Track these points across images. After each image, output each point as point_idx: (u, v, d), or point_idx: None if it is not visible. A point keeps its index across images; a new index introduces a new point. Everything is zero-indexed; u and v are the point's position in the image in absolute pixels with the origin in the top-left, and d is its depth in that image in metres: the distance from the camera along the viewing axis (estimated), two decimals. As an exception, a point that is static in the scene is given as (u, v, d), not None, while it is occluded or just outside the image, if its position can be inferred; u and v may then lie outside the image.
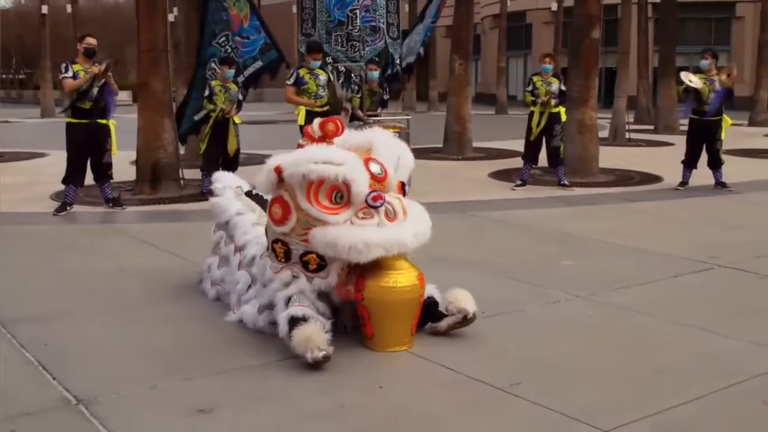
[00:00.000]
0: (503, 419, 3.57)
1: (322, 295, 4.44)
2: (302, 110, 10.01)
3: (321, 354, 4.05)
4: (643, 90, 22.66)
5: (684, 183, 10.54)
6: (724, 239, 7.39)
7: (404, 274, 4.38)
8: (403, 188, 4.69)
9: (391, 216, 4.35)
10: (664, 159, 14.10)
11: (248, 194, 5.74)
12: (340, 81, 10.94)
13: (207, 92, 10.26)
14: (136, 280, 6.12)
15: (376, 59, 11.38)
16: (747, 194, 10.25)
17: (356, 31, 11.69)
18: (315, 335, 4.10)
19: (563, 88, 10.65)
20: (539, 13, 37.35)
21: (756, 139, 17.38)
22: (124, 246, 7.52)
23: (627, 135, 17.41)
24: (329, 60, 11.64)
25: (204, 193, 10.29)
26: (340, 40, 11.63)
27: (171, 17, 39.97)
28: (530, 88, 10.64)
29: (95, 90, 8.95)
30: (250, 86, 11.33)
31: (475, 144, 15.52)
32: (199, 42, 11.31)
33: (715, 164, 10.47)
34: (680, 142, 17.24)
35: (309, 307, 4.32)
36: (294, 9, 24.53)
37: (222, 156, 10.32)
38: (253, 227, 5.22)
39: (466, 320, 4.57)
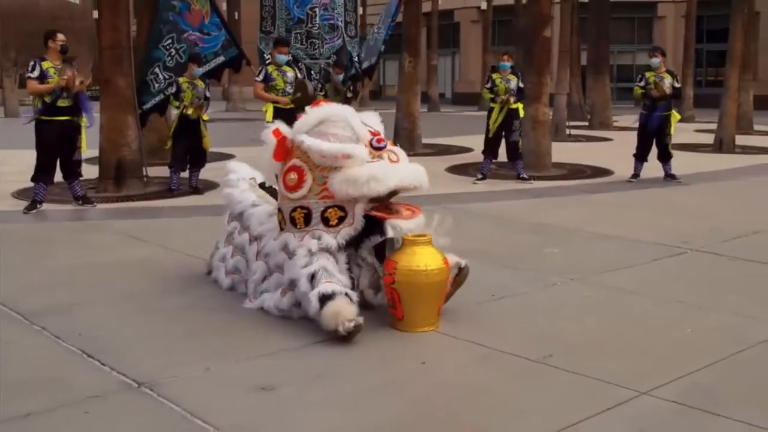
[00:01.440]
0: (545, 386, 3.89)
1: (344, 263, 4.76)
2: (270, 107, 10.17)
3: (352, 324, 4.34)
4: (575, 88, 23.38)
5: (636, 175, 11.08)
6: (688, 226, 7.86)
7: (432, 257, 4.66)
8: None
9: (394, 160, 4.81)
10: (607, 153, 14.71)
11: (261, 186, 5.93)
12: (304, 78, 11.11)
13: (174, 89, 10.35)
14: (139, 272, 6.24)
15: (342, 62, 11.59)
16: (695, 185, 10.85)
17: (315, 29, 11.90)
18: (344, 309, 4.40)
19: (521, 85, 11.06)
20: (467, 11, 37.98)
21: (688, 134, 18.14)
22: (111, 241, 7.58)
23: (567, 131, 18.01)
24: (289, 57, 11.81)
25: (172, 190, 10.39)
26: (299, 38, 11.83)
27: (95, 14, 39.54)
28: (489, 85, 11.02)
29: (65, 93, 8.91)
30: (211, 78, 11.47)
31: (423, 141, 15.88)
32: (148, 42, 11.40)
33: (664, 157, 11.03)
34: (618, 138, 18.18)
35: (336, 283, 4.57)
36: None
37: (189, 153, 10.42)
38: (269, 218, 5.42)
39: (462, 270, 4.94)
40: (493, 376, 4.02)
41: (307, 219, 4.80)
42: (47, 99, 8.83)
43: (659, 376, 3.92)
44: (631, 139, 15.89)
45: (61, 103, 8.88)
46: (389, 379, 3.99)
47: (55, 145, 9.05)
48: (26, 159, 13.19)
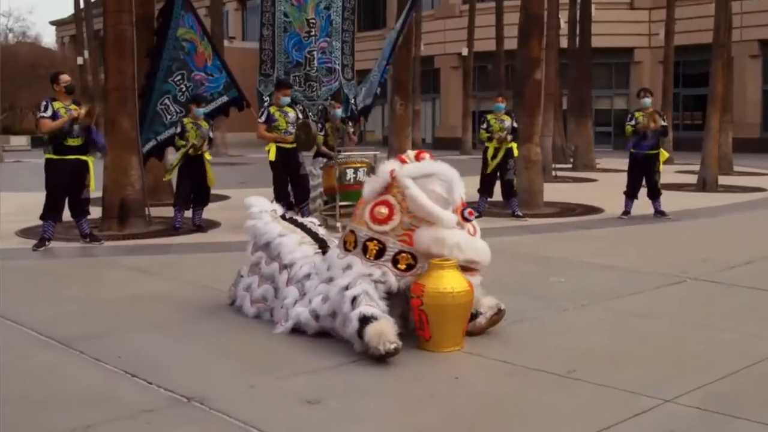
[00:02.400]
0: (574, 396, 4.14)
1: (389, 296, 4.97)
2: (273, 146, 10.43)
3: (392, 346, 4.58)
4: (557, 131, 23.88)
5: (627, 212, 11.42)
6: (683, 258, 8.17)
7: (458, 280, 4.93)
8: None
9: (472, 233, 5.15)
10: (595, 193, 15.10)
11: (282, 218, 6.17)
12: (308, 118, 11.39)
13: (179, 129, 10.61)
14: (161, 303, 6.43)
15: (340, 97, 11.94)
16: (684, 221, 11.22)
17: (313, 71, 12.21)
18: (388, 330, 4.65)
19: (515, 125, 11.44)
20: (447, 58, 38.66)
21: (670, 175, 18.46)
22: (126, 276, 7.76)
23: (554, 172, 18.41)
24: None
25: (176, 228, 10.60)
26: (298, 81, 12.11)
27: (79, 60, 39.72)
28: (485, 125, 11.39)
29: (77, 127, 9.14)
30: (218, 116, 11.79)
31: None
32: (151, 73, 11.68)
33: (654, 195, 11.40)
34: (603, 178, 18.63)
35: (375, 307, 4.81)
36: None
37: (193, 191, 10.66)
38: (299, 246, 5.66)
39: (500, 312, 5.23)
40: (523, 389, 4.27)
41: (380, 254, 5.02)
42: (58, 137, 9.05)
43: (679, 386, 4.19)
44: (616, 180, 16.33)
45: (72, 142, 9.08)
46: (427, 393, 4.23)
47: (65, 183, 9.22)
48: (18, 200, 13.63)
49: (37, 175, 9.88)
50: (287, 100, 10.60)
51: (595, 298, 6.38)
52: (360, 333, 4.67)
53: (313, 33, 12.22)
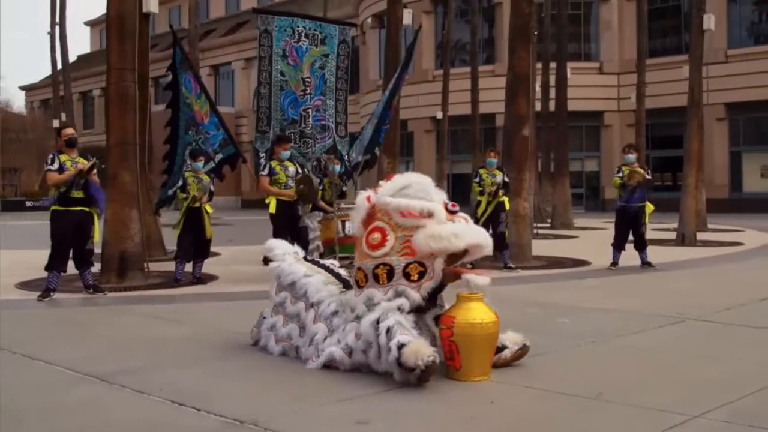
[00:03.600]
0: (607, 415, 4.40)
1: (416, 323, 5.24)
2: (273, 199, 10.70)
3: (431, 359, 4.81)
4: (536, 190, 24.43)
5: (615, 263, 11.79)
6: (677, 302, 8.49)
7: (486, 312, 5.20)
8: None
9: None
10: (578, 248, 15.50)
11: (305, 259, 6.42)
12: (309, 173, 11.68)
13: (180, 183, 10.87)
14: (186, 344, 6.61)
15: (337, 154, 12.28)
16: (671, 271, 11.63)
17: (308, 128, 12.57)
18: (423, 347, 4.90)
19: (506, 179, 11.84)
20: (421, 122, 39.36)
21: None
22: (143, 321, 7.92)
23: (534, 230, 18.79)
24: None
25: (177, 280, 10.76)
26: (293, 137, 12.42)
27: (56, 122, 39.91)
28: (477, 179, 11.79)
29: (81, 181, 9.34)
30: (215, 176, 12.04)
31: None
32: (172, 121, 12.03)
33: (641, 246, 11.81)
34: (582, 236, 19.07)
35: (410, 335, 5.04)
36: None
37: (194, 244, 10.86)
38: (325, 286, 5.90)
39: (525, 348, 5.50)
40: (557, 410, 4.51)
41: (390, 275, 5.32)
42: (63, 189, 9.24)
43: (703, 404, 4.47)
44: (596, 236, 16.79)
45: (75, 194, 9.28)
46: (467, 416, 4.46)
47: (70, 234, 9.38)
48: (8, 257, 13.71)
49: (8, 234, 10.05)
50: (287, 154, 10.91)
51: (604, 336, 6.67)
52: (399, 360, 4.90)
53: (308, 91, 12.62)
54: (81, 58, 66.74)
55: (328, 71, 12.88)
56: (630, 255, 11.89)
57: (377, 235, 5.37)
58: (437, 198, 5.45)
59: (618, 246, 11.86)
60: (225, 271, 12.07)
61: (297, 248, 6.58)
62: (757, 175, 31.88)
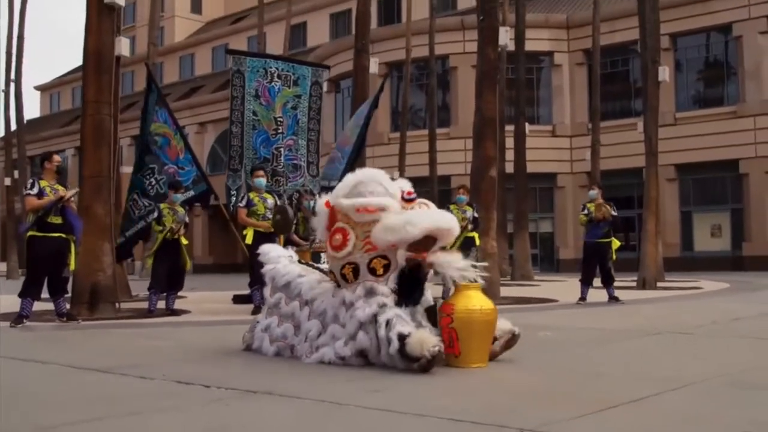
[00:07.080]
0: (605, 382, 4.52)
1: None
2: (250, 230, 10.78)
3: (436, 348, 4.92)
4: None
5: (583, 298, 11.99)
6: (653, 323, 8.66)
7: (484, 300, 5.35)
8: None
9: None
10: (543, 292, 15.68)
11: (299, 262, 6.50)
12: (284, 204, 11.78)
13: (156, 214, 10.89)
14: (181, 349, 6.74)
15: (311, 189, 12.43)
16: (641, 305, 11.80)
17: (280, 167, 12.77)
18: (427, 337, 5.02)
19: (476, 215, 12.07)
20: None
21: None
22: (130, 337, 7.90)
23: (496, 278, 19.04)
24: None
25: (150, 311, 10.69)
26: (265, 175, 12.59)
27: (8, 180, 39.25)
28: (448, 215, 11.96)
29: (59, 205, 9.30)
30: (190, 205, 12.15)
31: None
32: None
33: (608, 281, 12.05)
34: (545, 285, 19.30)
35: (409, 325, 5.14)
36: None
37: (169, 275, 10.83)
38: (319, 284, 5.98)
39: (514, 337, 5.62)
40: (554, 384, 4.64)
41: (356, 272, 5.47)
42: (40, 213, 9.18)
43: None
44: (558, 285, 17.00)
45: (53, 219, 9.20)
46: (487, 378, 4.56)
47: (47, 261, 9.26)
48: None
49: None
50: (262, 181, 11.04)
51: (595, 342, 6.85)
52: (401, 351, 4.99)
53: (280, 131, 12.86)
54: (30, 123, 66.20)
55: (301, 112, 13.15)
56: (597, 293, 12.12)
57: (339, 236, 5.53)
58: (392, 189, 5.58)
59: (586, 281, 12.08)
60: (197, 308, 12.00)
61: (291, 251, 6.67)
62: (708, 234, 32.65)
